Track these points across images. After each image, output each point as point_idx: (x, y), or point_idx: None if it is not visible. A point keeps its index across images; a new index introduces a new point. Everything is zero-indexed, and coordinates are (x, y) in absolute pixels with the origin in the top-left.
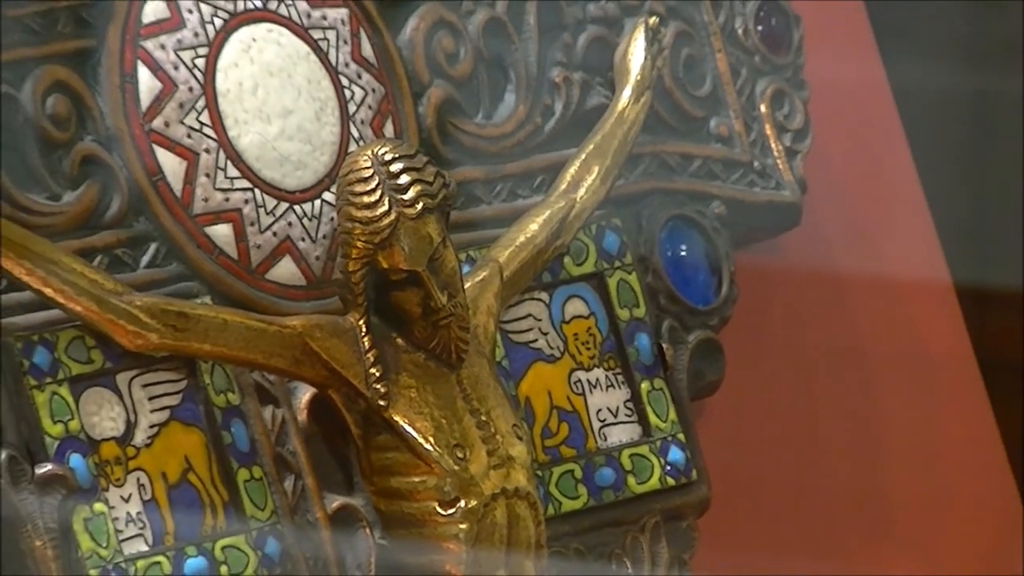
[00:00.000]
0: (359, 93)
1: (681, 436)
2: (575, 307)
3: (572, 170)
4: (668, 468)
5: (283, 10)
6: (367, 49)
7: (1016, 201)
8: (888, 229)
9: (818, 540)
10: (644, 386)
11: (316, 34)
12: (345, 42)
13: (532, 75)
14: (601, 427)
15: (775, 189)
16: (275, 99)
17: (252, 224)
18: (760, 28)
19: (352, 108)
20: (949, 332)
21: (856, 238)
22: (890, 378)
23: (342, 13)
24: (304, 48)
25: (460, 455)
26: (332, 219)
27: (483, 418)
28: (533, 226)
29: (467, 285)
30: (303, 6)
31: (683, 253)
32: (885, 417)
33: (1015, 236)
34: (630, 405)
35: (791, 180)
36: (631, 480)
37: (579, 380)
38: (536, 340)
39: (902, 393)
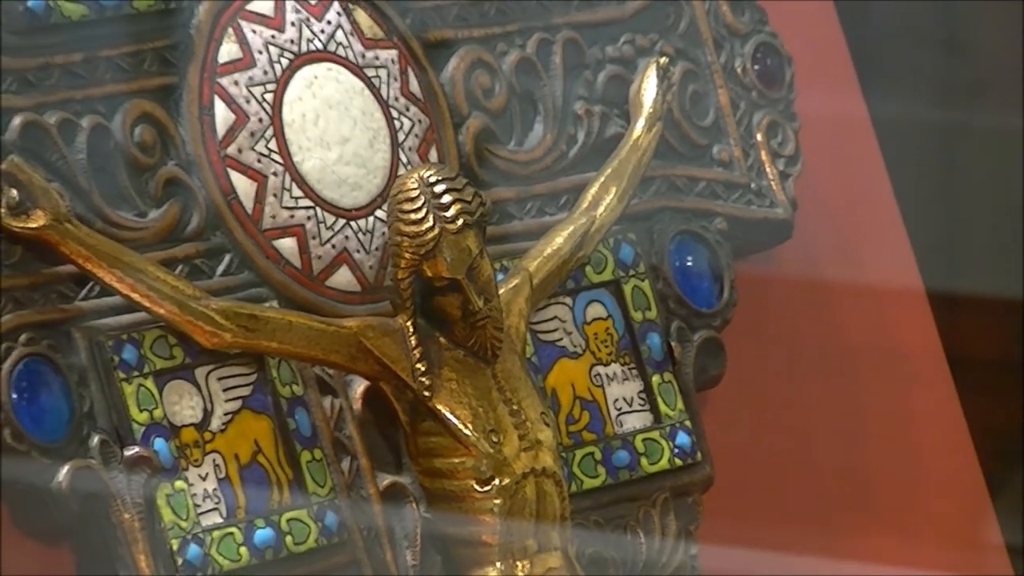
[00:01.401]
0: (407, 124)
1: (688, 423)
2: (595, 310)
3: (593, 191)
4: (676, 451)
5: (341, 51)
6: (414, 85)
7: (981, 218)
8: (867, 243)
9: (807, 513)
10: (655, 379)
11: (370, 72)
12: (395, 79)
13: (558, 108)
14: (618, 415)
15: (769, 207)
16: (334, 129)
17: (314, 238)
18: (756, 67)
19: (401, 137)
20: (921, 332)
21: (840, 250)
22: (870, 372)
23: (392, 54)
24: (359, 84)
25: (495, 439)
26: (383, 233)
27: (515, 407)
28: (559, 239)
29: (501, 291)
30: (358, 48)
31: (689, 263)
32: (865, 406)
33: (980, 249)
34: (643, 396)
35: (784, 200)
36: (644, 461)
37: (598, 374)
38: (561, 339)
39: (880, 385)
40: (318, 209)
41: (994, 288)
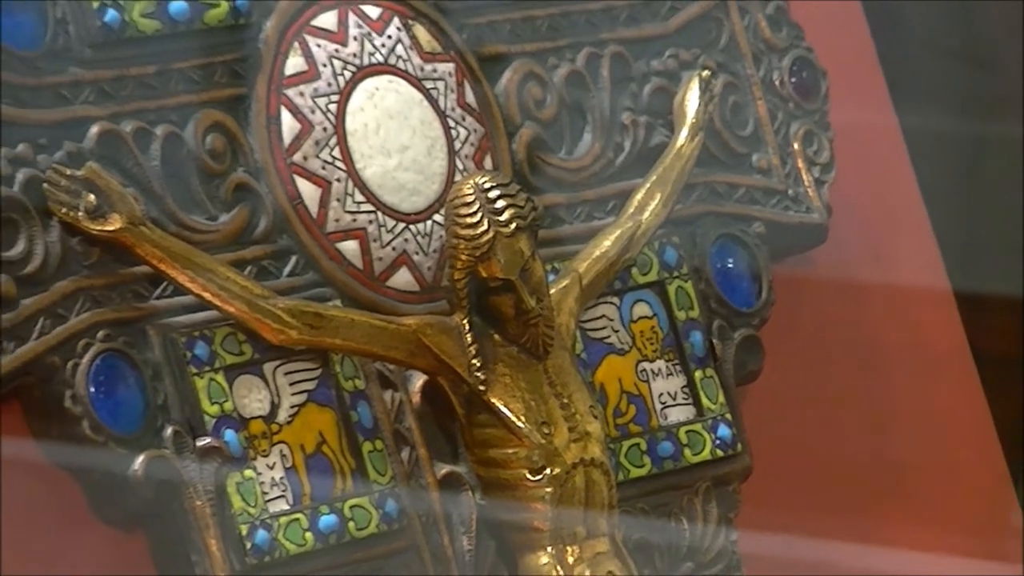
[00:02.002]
0: (463, 133)
1: (728, 416)
2: (641, 309)
3: (639, 196)
4: (717, 442)
5: (401, 64)
6: (470, 96)
7: (1004, 222)
8: (897, 245)
9: (839, 501)
10: (698, 374)
11: (428, 84)
12: (452, 91)
13: (606, 118)
14: (662, 408)
15: (805, 212)
16: (394, 137)
17: (375, 240)
18: (793, 80)
19: (457, 145)
20: (947, 330)
21: (871, 253)
22: (899, 368)
23: (449, 67)
24: (418, 95)
25: (546, 431)
26: (441, 236)
27: (565, 400)
28: (606, 242)
29: (552, 291)
30: (417, 61)
31: (730, 265)
32: (894, 400)
33: (1003, 251)
34: (686, 390)
35: (819, 205)
36: (687, 452)
37: (644, 369)
38: (609, 336)
39: (909, 380)
40: (379, 213)
41: (1016, 288)
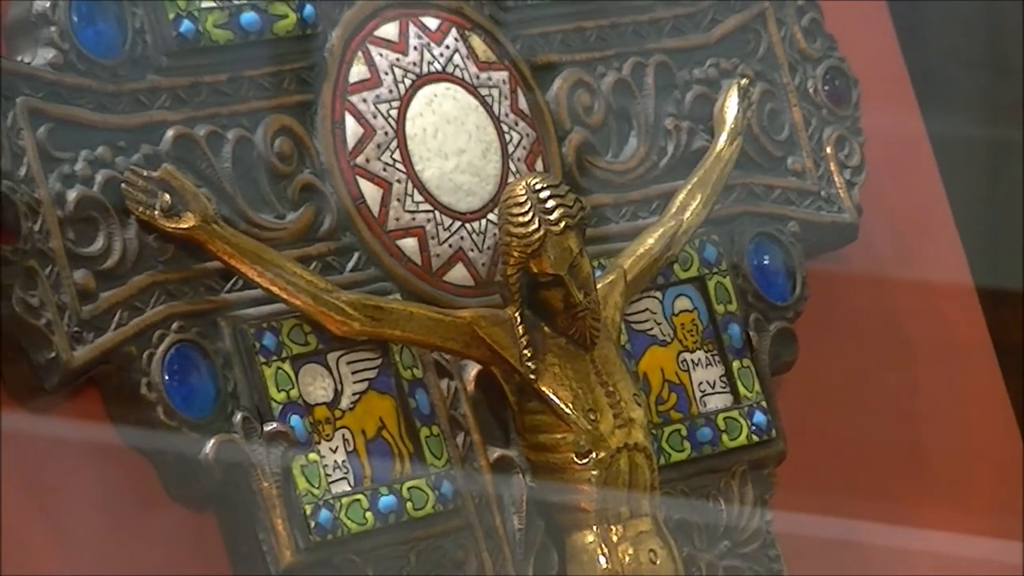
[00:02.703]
0: (516, 137)
1: (764, 403)
2: (682, 303)
3: (680, 197)
4: (754, 428)
5: (458, 73)
6: (523, 103)
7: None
8: (923, 244)
9: (868, 484)
10: (735, 364)
11: (483, 91)
12: (505, 97)
13: (650, 123)
14: (702, 396)
15: (837, 212)
16: (451, 141)
17: (433, 238)
18: (826, 88)
19: (511, 149)
20: (970, 323)
21: (899, 251)
22: (925, 359)
23: (503, 75)
24: (474, 102)
25: (592, 417)
26: (494, 234)
27: (610, 388)
28: (650, 240)
29: (599, 285)
30: (473, 69)
31: (766, 262)
32: (920, 389)
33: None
34: (724, 379)
35: (850, 206)
36: (724, 437)
37: (685, 360)
38: (652, 328)
39: (934, 371)
40: (437, 212)
41: None
